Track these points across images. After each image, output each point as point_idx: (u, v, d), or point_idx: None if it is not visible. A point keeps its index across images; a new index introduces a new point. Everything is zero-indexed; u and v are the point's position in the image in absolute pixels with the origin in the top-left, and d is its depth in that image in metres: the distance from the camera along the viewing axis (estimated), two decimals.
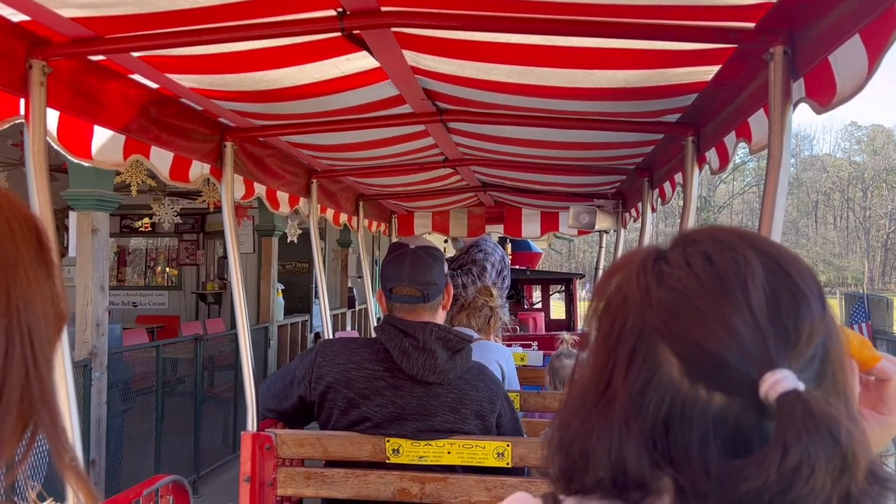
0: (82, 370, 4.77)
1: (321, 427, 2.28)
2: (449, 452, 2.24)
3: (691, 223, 2.36)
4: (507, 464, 2.24)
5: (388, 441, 2.21)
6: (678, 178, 2.76)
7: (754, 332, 0.62)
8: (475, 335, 2.88)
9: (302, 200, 3.31)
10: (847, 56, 1.23)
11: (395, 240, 5.29)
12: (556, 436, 0.71)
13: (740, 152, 2.19)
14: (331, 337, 3.53)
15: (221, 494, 6.06)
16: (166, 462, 5.97)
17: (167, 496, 2.09)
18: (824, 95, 1.34)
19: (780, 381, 0.60)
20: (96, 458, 4.85)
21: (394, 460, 2.24)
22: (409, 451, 2.24)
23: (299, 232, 8.87)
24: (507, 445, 2.24)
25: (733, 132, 1.95)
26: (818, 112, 1.37)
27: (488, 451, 2.24)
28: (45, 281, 0.67)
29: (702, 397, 0.63)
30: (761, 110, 1.69)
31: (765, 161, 1.84)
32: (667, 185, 2.99)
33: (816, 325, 0.64)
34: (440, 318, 2.23)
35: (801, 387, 0.60)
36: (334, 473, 2.31)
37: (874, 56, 1.17)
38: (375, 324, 5.01)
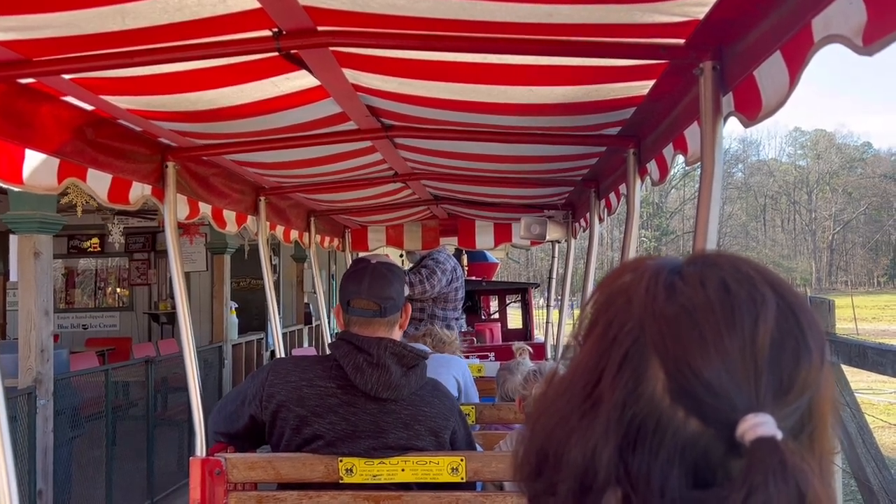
0: (27, 398, 4.61)
1: (273, 447, 2.24)
2: (403, 470, 2.22)
3: (635, 232, 2.40)
4: (462, 479, 2.23)
5: (340, 461, 2.18)
6: (623, 188, 2.81)
7: (750, 369, 0.61)
8: (430, 351, 2.88)
9: (250, 218, 3.27)
10: (770, 71, 1.27)
11: (348, 254, 5.28)
12: (535, 429, 0.69)
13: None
14: (284, 355, 3.48)
15: None
16: (119, 488, 5.80)
17: None
18: (751, 109, 1.38)
19: (759, 425, 0.59)
20: (43, 488, 4.68)
21: (347, 480, 2.21)
22: (363, 469, 2.22)
23: (249, 247, 8.77)
24: (461, 460, 2.23)
25: (671, 144, 1.99)
26: (746, 125, 1.42)
27: (442, 466, 2.24)
28: None
29: (678, 419, 0.62)
30: (695, 123, 1.73)
31: None
32: (612, 196, 3.04)
33: (811, 381, 0.63)
34: (396, 336, 2.22)
35: (780, 436, 0.59)
36: (287, 496, 2.27)
37: (794, 71, 1.21)
38: (330, 340, 4.98)
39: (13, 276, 4.77)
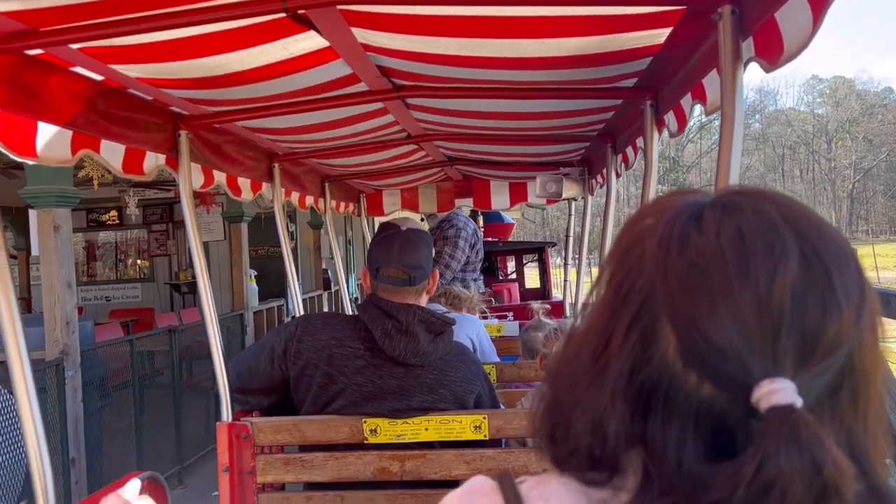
0: (55, 369, 4.70)
1: (298, 403, 2.26)
2: (426, 429, 2.25)
3: (653, 187, 2.36)
4: (485, 436, 2.25)
5: (364, 422, 2.21)
6: (640, 142, 2.77)
7: (766, 329, 0.56)
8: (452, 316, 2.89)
9: (265, 185, 3.26)
10: (792, 13, 1.23)
11: (364, 219, 5.27)
12: (546, 395, 0.67)
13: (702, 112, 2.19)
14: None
15: (207, 483, 6.05)
16: (149, 455, 5.94)
17: (143, 494, 2.06)
18: (772, 54, 1.34)
19: (775, 392, 0.55)
20: (76, 456, 4.81)
21: (372, 440, 2.24)
22: (387, 430, 2.25)
23: (264, 215, 8.78)
24: (484, 418, 2.25)
25: (689, 94, 1.94)
26: (767, 70, 1.37)
27: (465, 425, 2.26)
28: None
29: (691, 383, 0.58)
30: (714, 71, 1.69)
31: None
32: (629, 150, 2.99)
33: (844, 335, 0.57)
34: (423, 302, 2.22)
35: (798, 402, 0.55)
36: (313, 458, 2.31)
37: (818, 11, 1.16)
38: (349, 304, 5.00)
39: (35, 251, 4.81)
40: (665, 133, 2.31)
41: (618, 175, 3.23)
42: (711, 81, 1.75)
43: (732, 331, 0.56)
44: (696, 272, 0.58)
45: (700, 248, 0.59)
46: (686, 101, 2.00)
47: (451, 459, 2.26)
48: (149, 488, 2.12)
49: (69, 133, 1.90)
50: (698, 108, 1.98)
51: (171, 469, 6.15)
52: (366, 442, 2.23)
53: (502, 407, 2.54)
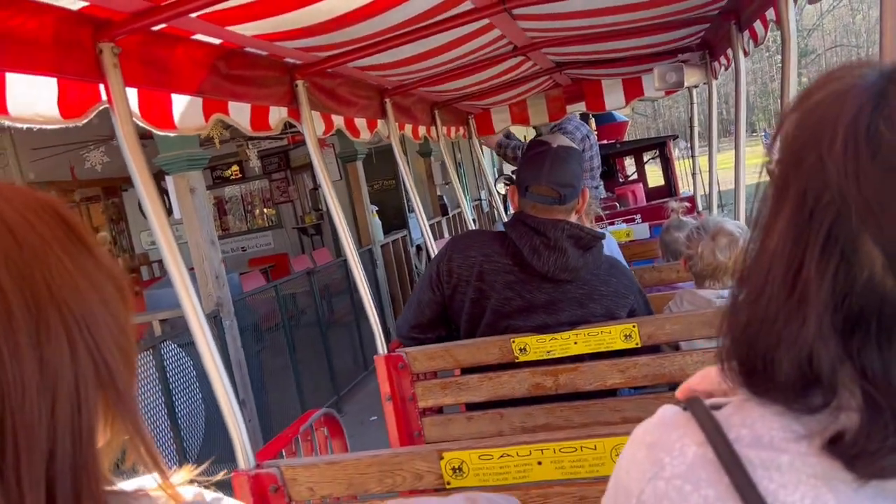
0: (213, 321, 5.07)
1: (454, 321, 2.32)
2: (575, 343, 2.25)
3: (793, 61, 2.17)
4: (637, 344, 2.23)
5: (513, 341, 2.24)
6: (770, 14, 2.54)
7: None
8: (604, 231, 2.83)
9: (380, 122, 3.28)
10: None
11: (475, 141, 5.23)
12: (736, 330, 0.62)
13: None
14: (432, 246, 3.57)
15: (362, 409, 6.44)
16: (307, 389, 6.37)
17: (321, 429, 2.22)
18: None
19: None
20: (245, 398, 5.22)
21: (522, 358, 2.28)
22: (536, 347, 2.27)
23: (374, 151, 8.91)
24: (634, 326, 2.22)
25: None
26: None
27: (615, 335, 2.24)
28: (87, 261, 0.62)
29: None
30: None
31: None
32: (757, 25, 2.76)
33: None
34: (572, 220, 2.19)
35: None
36: (468, 380, 2.38)
37: None
38: (472, 225, 5.04)
39: (175, 214, 5.13)
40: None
41: (746, 53, 2.99)
42: None
43: None
44: None
45: None
46: None
47: (605, 369, 2.26)
48: (326, 423, 2.29)
49: (199, 100, 1.97)
50: None
51: (328, 400, 6.59)
52: (517, 360, 2.27)
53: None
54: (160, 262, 11.15)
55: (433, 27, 2.34)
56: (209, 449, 4.84)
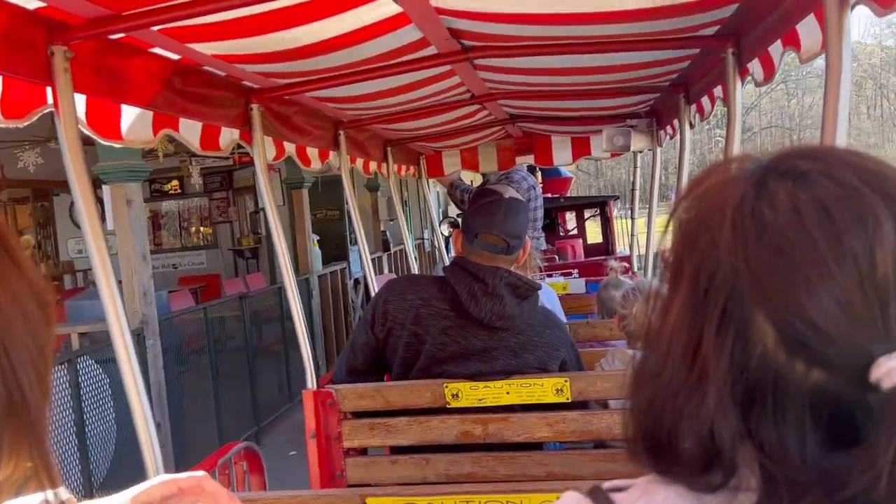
0: (136, 339, 4.88)
1: (388, 365, 2.29)
2: (508, 393, 2.25)
3: (737, 136, 2.27)
4: (567, 399, 2.25)
5: (446, 386, 2.22)
6: (717, 91, 2.66)
7: (872, 304, 0.53)
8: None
9: (332, 154, 3.27)
10: None
11: (425, 181, 5.25)
12: (641, 406, 0.63)
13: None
14: (372, 280, 3.55)
15: (283, 443, 6.26)
16: (227, 417, 6.17)
17: (240, 463, 2.14)
18: None
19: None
20: (160, 421, 5.01)
21: (454, 404, 2.26)
22: (469, 394, 2.26)
23: (320, 180, 8.85)
24: (566, 381, 2.24)
25: (779, 41, 1.85)
26: (880, 14, 1.29)
27: (547, 388, 2.25)
28: (10, 271, 0.56)
29: (799, 372, 0.55)
30: (811, 16, 1.59)
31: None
32: (705, 100, 2.89)
33: None
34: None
35: None
36: (397, 422, 2.35)
37: None
38: (414, 263, 5.03)
39: (109, 225, 4.96)
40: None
41: (692, 126, 3.12)
42: (807, 27, 1.65)
43: (838, 313, 0.53)
44: (784, 258, 0.54)
45: (782, 230, 0.55)
46: (775, 48, 1.91)
47: (534, 422, 2.26)
48: (246, 457, 2.21)
49: (150, 114, 1.92)
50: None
51: (248, 430, 6.38)
52: (448, 406, 2.26)
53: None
54: (85, 271, 10.73)
55: (396, 67, 2.36)
56: (118, 475, 4.60)
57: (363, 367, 2.32)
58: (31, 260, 0.59)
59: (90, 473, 4.53)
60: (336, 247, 10.59)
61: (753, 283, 0.55)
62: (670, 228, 0.64)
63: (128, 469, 4.36)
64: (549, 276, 5.23)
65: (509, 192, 2.17)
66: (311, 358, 2.55)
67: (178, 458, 5.12)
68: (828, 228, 0.54)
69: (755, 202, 0.56)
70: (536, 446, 2.31)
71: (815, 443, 0.55)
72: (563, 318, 3.50)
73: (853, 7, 1.36)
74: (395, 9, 1.77)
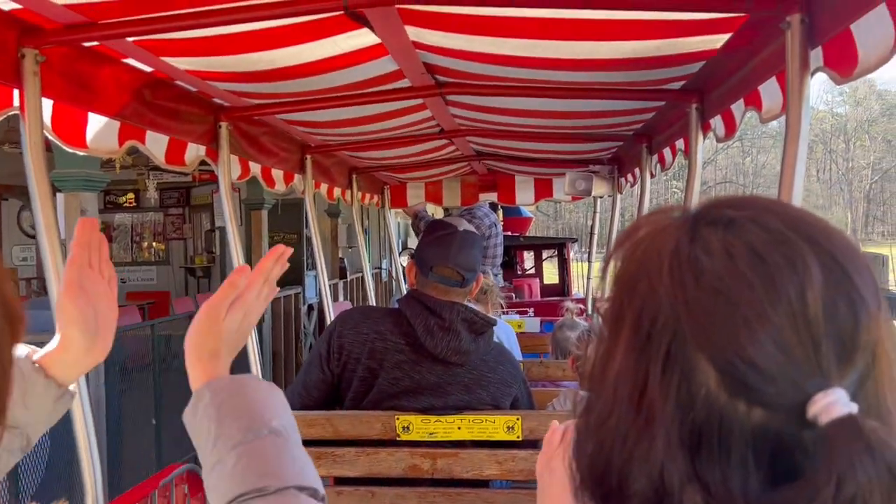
0: None
1: (342, 398, 2.25)
2: (459, 428, 2.24)
3: (697, 188, 2.34)
4: (518, 437, 2.25)
5: (397, 419, 2.20)
6: (679, 144, 2.74)
7: (806, 343, 0.55)
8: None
9: (297, 177, 3.26)
10: (871, 26, 1.20)
11: (388, 211, 5.26)
12: (589, 449, 0.63)
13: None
14: (328, 306, 3.52)
15: None
16: (169, 437, 5.97)
17: (182, 485, 2.08)
18: (845, 66, 1.31)
19: (832, 405, 0.54)
20: (97, 438, 4.83)
21: (404, 437, 2.24)
22: (419, 427, 2.24)
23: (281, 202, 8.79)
24: (517, 419, 2.24)
25: (741, 100, 1.92)
26: (838, 82, 1.35)
27: (498, 425, 2.25)
28: None
29: (740, 412, 0.56)
30: (773, 79, 1.66)
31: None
32: (667, 152, 2.97)
33: (873, 330, 0.57)
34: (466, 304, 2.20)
35: (854, 409, 0.54)
36: (345, 452, 2.31)
37: None
38: (371, 292, 5.01)
39: (61, 234, 4.80)
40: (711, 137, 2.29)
41: (652, 175, 3.21)
42: (769, 89, 1.72)
43: (775, 352, 0.55)
44: (722, 301, 0.56)
45: (718, 274, 0.57)
46: (738, 106, 1.98)
47: (484, 459, 2.25)
48: (187, 479, 2.15)
49: (117, 124, 1.89)
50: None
51: (189, 453, 6.18)
52: (398, 438, 2.23)
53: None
54: (29, 279, 10.38)
55: (368, 96, 2.38)
56: (48, 493, 4.41)
57: (317, 405, 2.28)
58: (5, 272, 0.56)
59: (18, 493, 4.34)
60: (291, 271, 10.46)
61: (694, 325, 0.57)
62: (608, 273, 0.65)
63: (58, 487, 4.18)
64: (506, 313, 5.25)
65: (463, 225, 2.18)
66: (260, 376, 2.50)
67: (113, 477, 4.93)
68: (761, 271, 0.56)
69: (690, 248, 0.59)
70: (484, 483, 2.30)
71: (758, 482, 0.56)
72: (520, 356, 3.52)
73: (813, 73, 1.43)
74: (374, 39, 1.79)
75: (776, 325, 0.55)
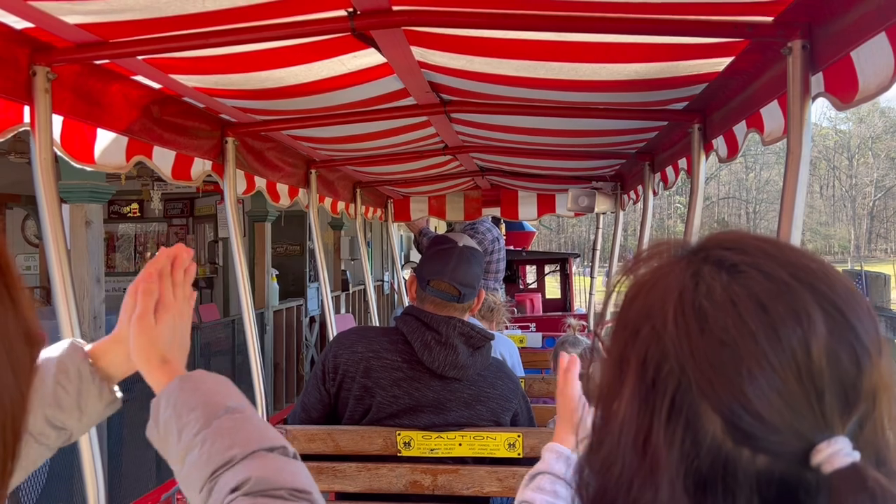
0: None
1: (339, 417, 2.26)
2: (460, 444, 2.24)
3: (699, 207, 2.35)
4: (519, 454, 2.25)
5: (398, 434, 2.21)
6: (682, 163, 2.76)
7: (810, 393, 0.56)
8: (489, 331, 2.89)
9: (301, 191, 3.28)
10: (871, 54, 1.22)
11: (391, 224, 5.28)
12: (591, 498, 0.64)
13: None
14: (330, 318, 3.52)
15: None
16: None
17: (183, 499, 2.08)
18: (845, 92, 1.33)
19: (836, 455, 0.54)
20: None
21: (405, 453, 2.24)
22: (421, 443, 2.25)
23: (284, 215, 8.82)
24: (518, 436, 2.24)
25: (744, 122, 1.94)
26: (840, 108, 1.37)
27: (499, 442, 2.25)
28: (5, 310, 0.51)
29: (745, 458, 0.57)
30: (775, 102, 1.68)
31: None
32: (669, 170, 2.98)
33: (874, 377, 0.57)
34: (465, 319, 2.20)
35: (857, 457, 0.55)
36: (346, 467, 2.31)
37: None
38: (374, 304, 5.01)
39: (67, 245, 4.81)
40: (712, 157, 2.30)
41: (655, 193, 3.22)
42: (771, 112, 1.74)
43: (779, 403, 0.55)
44: (727, 351, 0.57)
45: (723, 324, 0.58)
46: (740, 128, 1.99)
47: (484, 476, 2.25)
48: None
49: (125, 140, 1.91)
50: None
51: None
52: (399, 454, 2.24)
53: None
54: (33, 288, 10.41)
55: (374, 113, 2.40)
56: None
57: (319, 420, 2.29)
58: (30, 299, 0.55)
59: (18, 501, 4.33)
60: (294, 283, 10.47)
61: (699, 375, 0.57)
62: (610, 302, 0.66)
63: (59, 495, 4.18)
64: (507, 328, 5.26)
65: (464, 241, 2.18)
66: (263, 393, 2.51)
67: (112, 489, 4.92)
68: (765, 323, 0.57)
69: (694, 295, 0.59)
70: (484, 500, 2.30)
71: None
72: (522, 371, 3.51)
73: (814, 98, 1.45)
74: (380, 59, 1.81)
75: (780, 377, 0.56)
